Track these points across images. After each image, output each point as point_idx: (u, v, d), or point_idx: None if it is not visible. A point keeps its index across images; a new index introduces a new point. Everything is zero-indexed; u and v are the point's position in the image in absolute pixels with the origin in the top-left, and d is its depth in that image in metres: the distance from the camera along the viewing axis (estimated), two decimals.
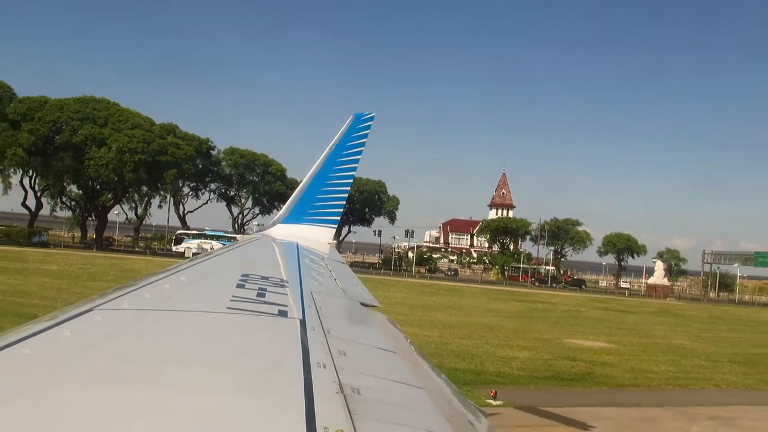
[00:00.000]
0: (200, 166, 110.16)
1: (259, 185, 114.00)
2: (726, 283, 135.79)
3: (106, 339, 3.16)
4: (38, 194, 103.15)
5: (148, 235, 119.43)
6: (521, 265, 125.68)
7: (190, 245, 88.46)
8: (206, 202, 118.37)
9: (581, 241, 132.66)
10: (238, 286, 5.08)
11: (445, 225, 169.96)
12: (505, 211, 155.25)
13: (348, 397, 2.55)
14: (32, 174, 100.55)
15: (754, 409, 23.93)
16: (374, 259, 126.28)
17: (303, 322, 3.95)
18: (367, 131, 12.49)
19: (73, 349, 2.95)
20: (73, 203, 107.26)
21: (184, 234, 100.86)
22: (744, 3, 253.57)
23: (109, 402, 2.29)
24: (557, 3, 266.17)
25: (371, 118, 12.57)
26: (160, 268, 6.24)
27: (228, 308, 4.12)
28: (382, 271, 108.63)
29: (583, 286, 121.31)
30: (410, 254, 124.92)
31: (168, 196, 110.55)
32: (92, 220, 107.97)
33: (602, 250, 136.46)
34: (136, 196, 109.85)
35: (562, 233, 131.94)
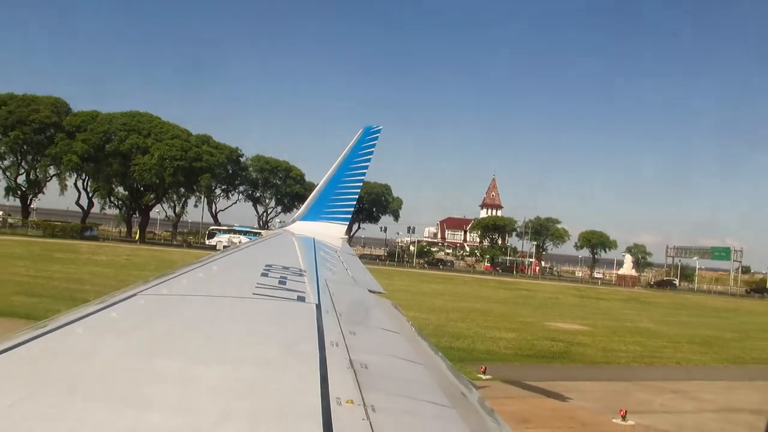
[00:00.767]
0: (230, 171, 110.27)
1: (281, 188, 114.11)
2: (686, 274, 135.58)
3: (148, 320, 3.17)
4: (90, 195, 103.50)
5: (185, 231, 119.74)
6: (508, 257, 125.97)
7: (221, 239, 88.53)
8: (235, 202, 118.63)
9: (560, 236, 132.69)
10: (263, 274, 5.08)
11: (442, 222, 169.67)
12: (494, 211, 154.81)
13: (357, 372, 2.54)
14: (85, 177, 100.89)
15: (710, 383, 23.85)
16: (380, 252, 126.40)
17: (318, 306, 3.94)
18: (375, 142, 12.49)
19: (120, 328, 2.96)
20: (120, 202, 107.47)
21: (216, 229, 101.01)
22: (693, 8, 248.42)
23: (152, 372, 2.30)
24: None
25: (378, 131, 12.57)
26: (195, 259, 6.24)
27: (253, 294, 4.12)
28: (387, 262, 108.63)
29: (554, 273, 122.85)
30: (412, 248, 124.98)
31: (202, 197, 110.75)
32: (136, 217, 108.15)
33: (578, 244, 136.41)
34: (175, 196, 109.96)
35: (543, 230, 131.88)
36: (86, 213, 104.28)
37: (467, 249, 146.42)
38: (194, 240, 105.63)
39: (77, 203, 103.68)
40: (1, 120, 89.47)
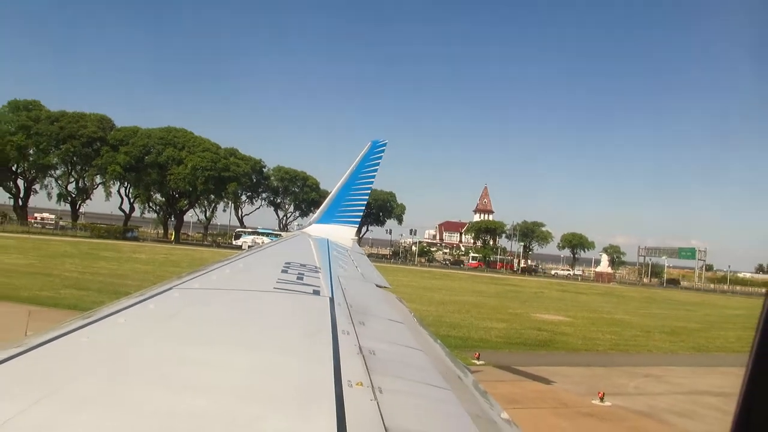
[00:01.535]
0: (254, 180, 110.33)
1: (299, 194, 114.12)
2: (656, 272, 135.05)
3: (182, 311, 3.18)
4: (131, 200, 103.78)
5: (214, 232, 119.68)
6: (498, 256, 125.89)
7: (246, 240, 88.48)
8: (258, 207, 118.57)
9: (544, 238, 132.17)
10: (282, 271, 5.08)
11: (440, 225, 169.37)
12: (486, 215, 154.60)
13: (366, 357, 2.55)
14: (127, 185, 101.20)
15: (678, 368, 23.72)
16: (386, 251, 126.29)
17: (332, 299, 3.94)
18: (382, 154, 12.51)
19: (157, 318, 2.97)
20: (158, 207, 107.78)
21: (242, 231, 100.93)
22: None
23: (185, 356, 2.30)
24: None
25: (385, 144, 12.60)
26: (223, 258, 6.25)
27: (274, 288, 4.13)
28: (391, 260, 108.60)
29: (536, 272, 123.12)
30: (413, 248, 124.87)
31: (230, 203, 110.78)
32: (172, 220, 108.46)
33: (561, 245, 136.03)
34: (206, 202, 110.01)
35: (530, 232, 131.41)
36: (128, 216, 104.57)
37: (463, 249, 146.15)
38: (222, 240, 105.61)
39: (120, 208, 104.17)
40: (54, 135, 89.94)
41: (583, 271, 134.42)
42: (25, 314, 19.62)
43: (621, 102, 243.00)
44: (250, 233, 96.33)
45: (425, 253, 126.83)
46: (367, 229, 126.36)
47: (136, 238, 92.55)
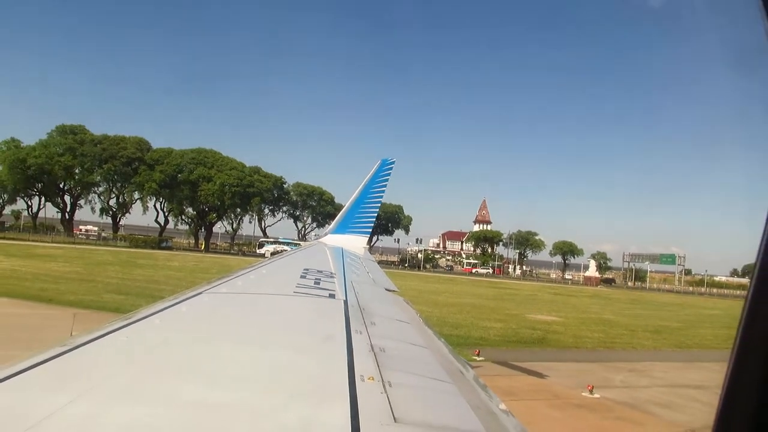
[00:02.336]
0: (276, 195, 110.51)
1: (316, 208, 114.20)
2: (640, 276, 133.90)
3: (211, 313, 3.19)
4: (165, 214, 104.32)
5: (240, 242, 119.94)
6: (495, 263, 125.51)
7: (269, 249, 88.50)
8: (280, 219, 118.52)
9: (538, 246, 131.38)
10: (301, 276, 5.09)
11: (443, 235, 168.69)
12: (485, 226, 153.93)
13: (377, 355, 2.54)
14: (162, 200, 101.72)
15: (661, 364, 23.44)
16: (394, 258, 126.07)
17: (346, 302, 3.94)
18: (390, 171, 12.55)
19: (189, 319, 2.98)
20: (189, 220, 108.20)
21: (265, 241, 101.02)
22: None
23: (215, 354, 2.31)
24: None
25: (393, 162, 12.64)
26: (248, 265, 6.27)
27: (294, 292, 4.13)
28: (399, 267, 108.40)
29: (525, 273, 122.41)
30: (419, 255, 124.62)
31: (254, 215, 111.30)
32: (202, 231, 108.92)
33: (552, 252, 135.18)
34: (232, 215, 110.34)
35: (524, 240, 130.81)
36: (163, 228, 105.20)
37: (464, 256, 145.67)
38: (248, 249, 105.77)
39: (156, 221, 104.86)
40: (97, 156, 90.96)
41: (572, 275, 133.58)
42: (71, 317, 19.74)
43: (607, 123, 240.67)
44: (272, 243, 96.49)
45: (430, 260, 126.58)
46: (378, 239, 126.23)
47: (169, 248, 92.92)
